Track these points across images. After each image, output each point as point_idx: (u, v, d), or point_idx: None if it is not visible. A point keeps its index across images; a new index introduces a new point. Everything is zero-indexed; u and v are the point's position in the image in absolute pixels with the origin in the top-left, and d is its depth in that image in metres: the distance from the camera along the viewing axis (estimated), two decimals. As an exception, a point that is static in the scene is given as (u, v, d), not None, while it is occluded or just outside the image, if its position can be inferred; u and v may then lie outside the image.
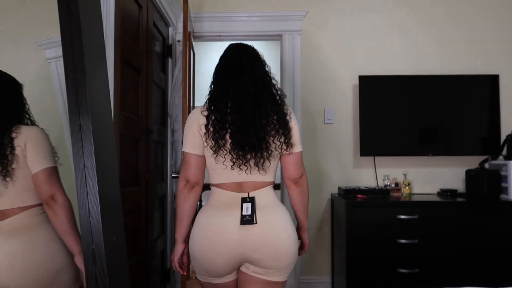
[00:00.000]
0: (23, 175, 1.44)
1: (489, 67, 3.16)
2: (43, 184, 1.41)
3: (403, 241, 2.61)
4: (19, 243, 1.40)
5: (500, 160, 2.93)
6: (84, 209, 0.95)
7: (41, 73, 1.83)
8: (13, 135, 1.42)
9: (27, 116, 1.56)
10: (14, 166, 1.42)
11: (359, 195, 2.82)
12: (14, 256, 1.38)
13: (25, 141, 1.43)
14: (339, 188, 3.03)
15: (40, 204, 1.47)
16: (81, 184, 0.96)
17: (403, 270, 2.60)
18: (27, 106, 1.56)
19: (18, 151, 1.42)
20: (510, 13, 3.20)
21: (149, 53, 2.54)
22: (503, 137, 3.03)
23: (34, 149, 1.43)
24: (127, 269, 1.15)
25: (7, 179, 1.42)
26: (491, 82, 3.07)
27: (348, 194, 2.83)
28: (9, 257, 1.38)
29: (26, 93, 1.82)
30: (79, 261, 1.46)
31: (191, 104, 2.91)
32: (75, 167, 0.96)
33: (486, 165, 2.98)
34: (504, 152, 2.93)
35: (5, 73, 1.53)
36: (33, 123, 1.56)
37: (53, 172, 1.45)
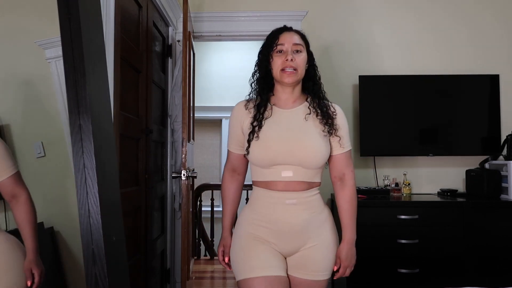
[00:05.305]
0: None
1: (489, 67, 3.16)
2: (9, 188, 1.51)
3: (403, 241, 2.61)
4: None
5: (500, 160, 2.93)
6: (84, 209, 0.95)
7: (41, 73, 1.83)
8: None
9: None
10: None
11: (359, 195, 2.81)
12: None
13: None
14: (339, 188, 3.03)
15: None
16: (81, 184, 0.96)
17: (403, 270, 2.60)
18: None
19: None
20: (510, 13, 3.20)
21: (149, 53, 2.54)
22: (503, 137, 3.03)
23: None
24: (127, 269, 1.15)
25: None
26: (491, 82, 3.06)
27: (348, 194, 2.83)
28: None
29: (26, 93, 1.82)
30: (30, 260, 1.51)
31: (191, 104, 2.91)
32: (75, 167, 0.96)
33: (486, 165, 2.98)
34: (504, 152, 2.93)
35: None
36: None
37: (16, 177, 1.53)
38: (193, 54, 3.13)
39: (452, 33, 3.20)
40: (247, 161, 1.64)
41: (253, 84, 1.63)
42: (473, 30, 3.20)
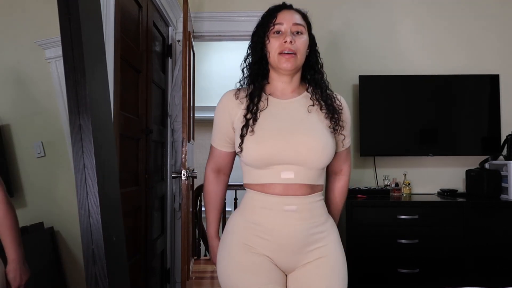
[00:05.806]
0: None
1: (489, 67, 3.16)
2: None
3: (403, 241, 2.61)
4: None
5: (501, 160, 2.93)
6: (83, 209, 0.95)
7: (41, 73, 1.83)
8: None
9: None
10: None
11: (359, 195, 2.81)
12: None
13: None
14: (339, 188, 3.03)
15: None
16: (80, 184, 0.96)
17: (403, 270, 2.60)
18: None
19: None
20: (510, 13, 3.20)
21: (149, 53, 2.54)
22: (503, 137, 3.03)
23: None
24: (127, 269, 1.15)
25: None
26: (491, 82, 3.06)
27: (348, 194, 2.83)
28: None
29: (26, 93, 1.82)
30: (9, 270, 1.42)
31: (191, 104, 2.91)
32: (74, 167, 0.96)
33: (486, 165, 2.98)
34: (504, 152, 2.93)
35: None
36: None
37: None
38: (193, 54, 3.13)
39: (452, 33, 3.20)
40: (233, 160, 1.44)
41: (245, 70, 1.39)
42: (473, 30, 3.19)
